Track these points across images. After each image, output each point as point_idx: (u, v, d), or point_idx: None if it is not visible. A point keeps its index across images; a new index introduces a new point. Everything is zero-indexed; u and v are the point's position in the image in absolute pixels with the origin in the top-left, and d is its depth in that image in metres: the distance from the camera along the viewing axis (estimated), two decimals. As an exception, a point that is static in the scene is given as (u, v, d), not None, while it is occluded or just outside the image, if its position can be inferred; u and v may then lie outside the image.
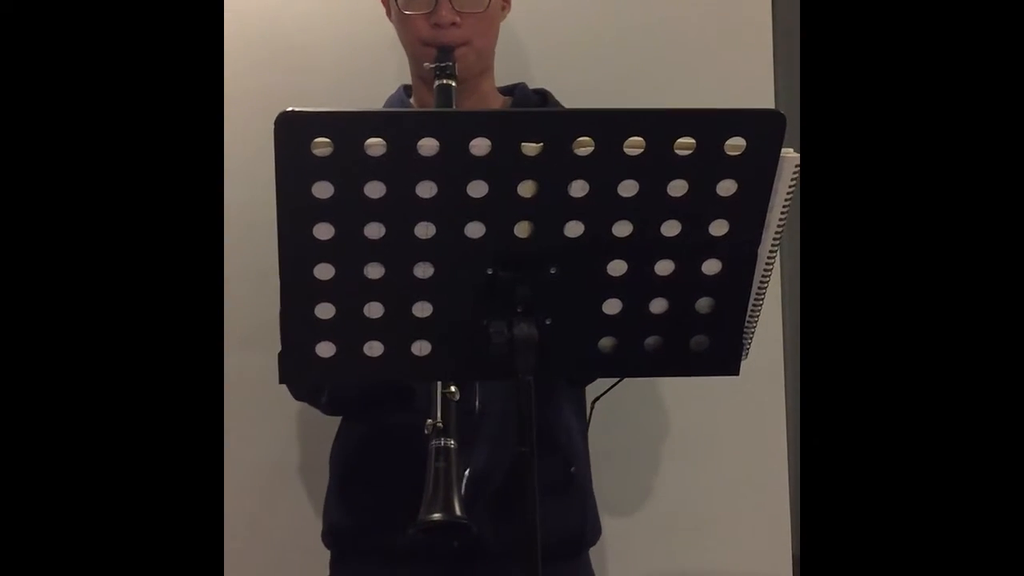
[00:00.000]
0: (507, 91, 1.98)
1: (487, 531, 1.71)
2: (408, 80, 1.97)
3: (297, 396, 1.89)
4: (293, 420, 2.23)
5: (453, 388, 1.57)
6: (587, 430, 1.94)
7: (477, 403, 1.77)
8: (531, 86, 2.00)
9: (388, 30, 1.91)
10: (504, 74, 1.97)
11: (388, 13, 1.90)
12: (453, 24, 1.78)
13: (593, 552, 1.93)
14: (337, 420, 1.96)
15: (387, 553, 1.78)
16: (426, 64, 1.79)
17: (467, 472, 1.73)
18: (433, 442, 1.53)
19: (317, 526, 1.98)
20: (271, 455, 2.23)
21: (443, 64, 1.77)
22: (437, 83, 1.77)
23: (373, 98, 2.00)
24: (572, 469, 1.82)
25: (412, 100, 1.94)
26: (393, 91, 1.99)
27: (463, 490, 1.71)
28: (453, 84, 1.76)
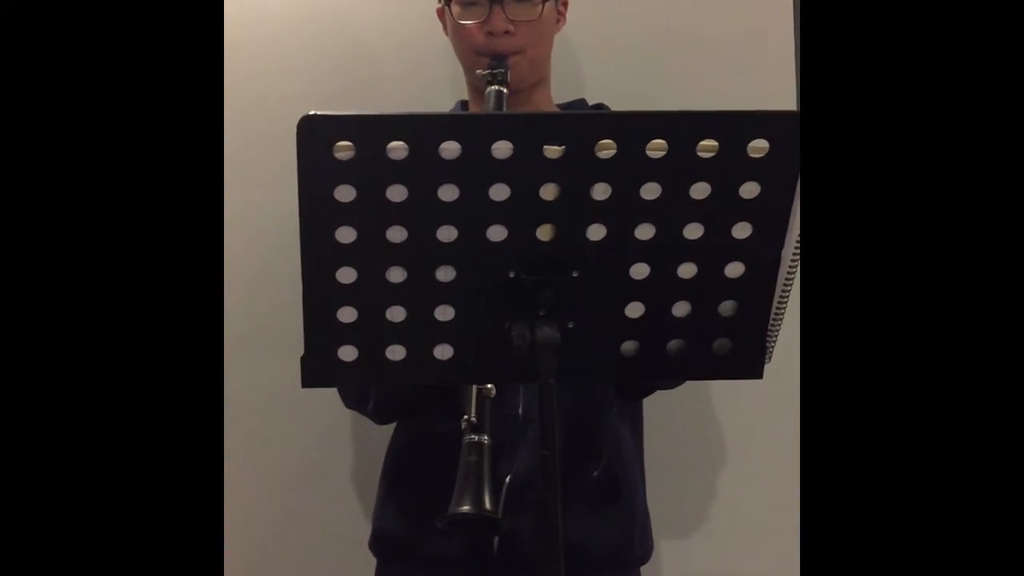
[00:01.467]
0: (566, 107, 2.00)
1: (530, 538, 1.71)
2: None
3: (347, 404, 1.90)
4: (294, 425, 2.22)
5: (490, 385, 1.58)
6: (643, 445, 1.94)
7: (520, 409, 1.77)
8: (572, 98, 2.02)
9: (390, 35, 1.91)
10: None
11: (445, 28, 1.93)
12: (506, 32, 1.81)
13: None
14: (337, 422, 1.97)
15: (435, 559, 1.79)
16: (478, 71, 1.82)
17: (508, 479, 1.73)
18: (466, 437, 1.53)
19: (321, 531, 1.97)
20: (271, 460, 2.23)
21: (495, 71, 1.80)
22: (489, 88, 1.79)
23: (375, 103, 2.01)
24: (595, 473, 1.80)
25: None
26: (428, 95, 2.03)
27: (504, 495, 1.72)
28: (505, 90, 1.78)
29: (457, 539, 1.72)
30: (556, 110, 1.97)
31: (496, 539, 1.74)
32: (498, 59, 1.81)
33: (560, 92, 2.01)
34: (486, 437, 1.53)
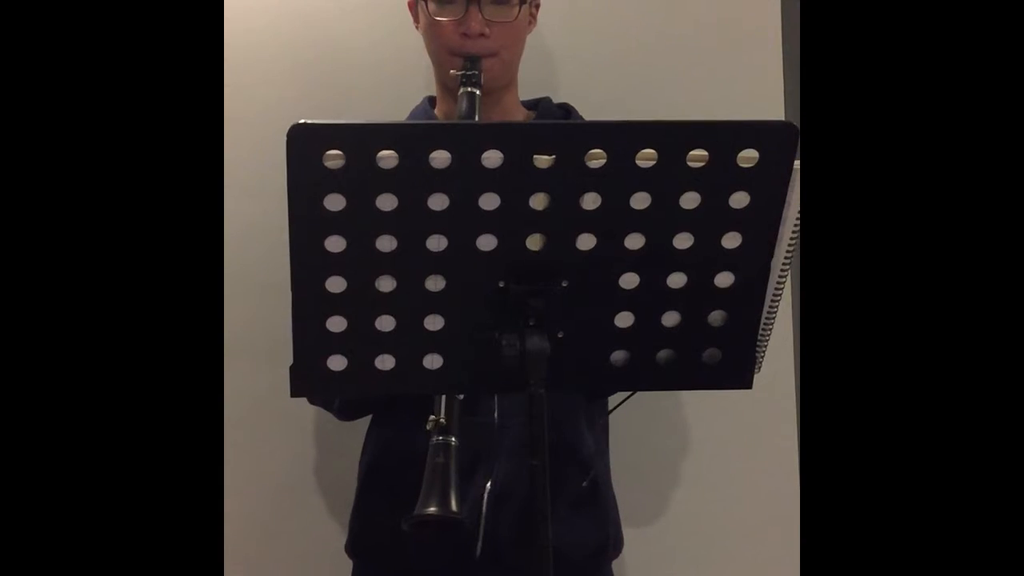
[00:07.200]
0: (531, 105, 1.99)
1: (511, 544, 1.72)
2: (405, 89, 1.97)
3: (312, 401, 1.91)
4: (293, 431, 2.22)
5: None
6: (608, 440, 1.94)
7: (496, 416, 1.77)
8: (538, 96, 2.01)
9: (389, 40, 1.90)
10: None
11: (416, 21, 1.91)
12: (481, 35, 1.81)
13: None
14: (335, 429, 1.96)
15: (416, 569, 1.79)
16: (452, 71, 1.81)
17: (488, 486, 1.73)
18: (433, 438, 1.51)
19: (318, 536, 1.96)
20: (271, 466, 2.22)
21: (469, 72, 1.79)
22: (462, 90, 1.78)
23: (371, 110, 1.99)
24: (584, 484, 1.81)
25: (436, 112, 1.95)
26: (417, 103, 2.00)
27: (485, 504, 1.71)
28: (478, 92, 1.78)
29: (438, 547, 1.71)
30: (523, 111, 1.97)
31: (479, 546, 1.74)
32: (472, 61, 1.80)
33: (530, 92, 1.99)
34: (453, 439, 1.51)
